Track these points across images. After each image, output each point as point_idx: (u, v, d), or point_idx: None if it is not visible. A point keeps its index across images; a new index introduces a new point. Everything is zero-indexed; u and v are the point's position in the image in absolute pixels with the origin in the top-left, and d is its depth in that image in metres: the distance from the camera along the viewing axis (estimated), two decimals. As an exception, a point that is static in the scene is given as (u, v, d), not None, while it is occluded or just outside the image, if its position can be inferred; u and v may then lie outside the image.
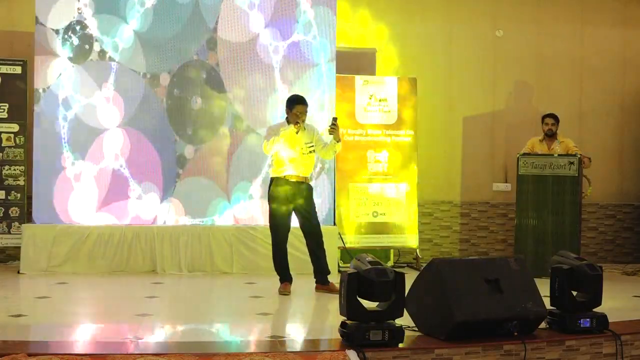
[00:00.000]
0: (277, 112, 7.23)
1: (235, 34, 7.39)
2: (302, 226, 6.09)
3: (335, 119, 5.98)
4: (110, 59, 7.25)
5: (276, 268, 6.05)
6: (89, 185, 7.20)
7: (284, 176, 5.97)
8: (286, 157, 5.95)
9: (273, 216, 6.01)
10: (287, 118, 6.01)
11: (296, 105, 5.95)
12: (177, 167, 7.32)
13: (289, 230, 6.07)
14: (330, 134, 5.92)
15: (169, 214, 7.27)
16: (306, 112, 5.98)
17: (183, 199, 7.30)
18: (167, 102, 7.32)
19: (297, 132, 5.89)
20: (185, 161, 7.33)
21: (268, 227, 6.11)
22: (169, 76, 7.32)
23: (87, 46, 7.21)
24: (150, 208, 7.26)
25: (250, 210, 7.33)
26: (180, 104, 7.35)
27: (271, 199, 6.01)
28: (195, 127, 7.35)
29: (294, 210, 6.03)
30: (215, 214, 7.31)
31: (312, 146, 6.01)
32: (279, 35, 7.42)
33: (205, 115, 7.37)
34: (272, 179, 6.05)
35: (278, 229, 6.01)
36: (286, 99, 6.13)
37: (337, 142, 5.94)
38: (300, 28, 7.42)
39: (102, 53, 7.24)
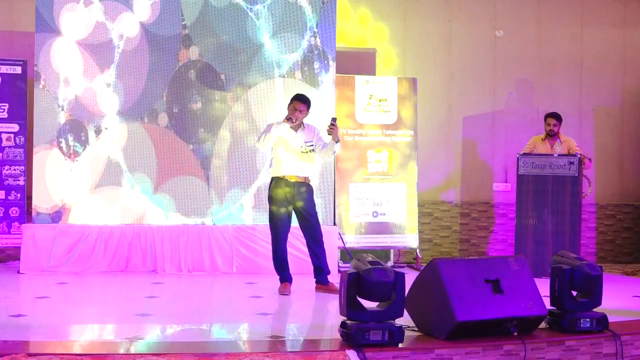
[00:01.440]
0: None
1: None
2: (302, 226, 6.08)
3: (334, 119, 5.97)
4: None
5: (276, 268, 6.05)
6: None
7: (284, 176, 5.96)
8: (286, 156, 5.95)
9: (273, 216, 6.00)
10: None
11: (293, 100, 5.97)
12: (147, 117, 7.31)
13: (288, 231, 6.07)
14: (329, 134, 5.91)
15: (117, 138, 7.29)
16: (302, 109, 5.93)
17: (131, 148, 7.29)
18: (177, 70, 7.33)
19: (289, 127, 5.90)
20: (153, 120, 7.31)
21: (268, 226, 6.10)
22: (198, 54, 7.34)
23: None
24: (109, 122, 7.29)
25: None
26: (184, 85, 7.35)
27: (271, 199, 6.00)
28: (181, 112, 7.34)
29: (294, 211, 6.03)
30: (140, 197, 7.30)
31: (312, 145, 6.00)
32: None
33: (198, 117, 7.35)
34: (272, 179, 6.05)
35: (278, 229, 6.00)
36: None
37: (336, 142, 5.93)
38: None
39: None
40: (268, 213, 6.07)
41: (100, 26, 7.28)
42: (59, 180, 7.19)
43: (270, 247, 6.13)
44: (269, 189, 6.04)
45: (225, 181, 7.32)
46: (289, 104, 5.99)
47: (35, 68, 7.20)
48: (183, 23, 7.33)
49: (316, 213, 6.11)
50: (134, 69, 7.33)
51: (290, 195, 5.95)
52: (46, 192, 7.16)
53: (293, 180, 5.96)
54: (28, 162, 7.29)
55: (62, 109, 7.23)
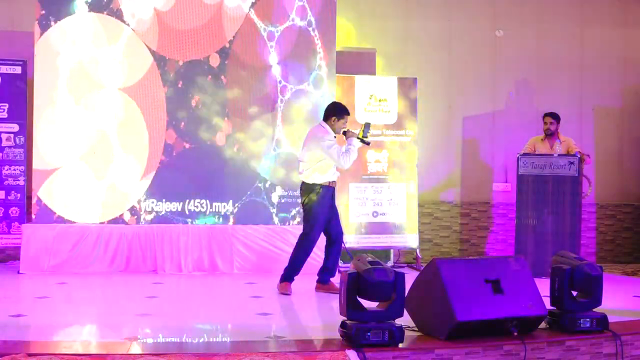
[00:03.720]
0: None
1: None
2: (332, 229, 6.04)
3: (368, 124, 6.03)
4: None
5: (292, 266, 5.97)
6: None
7: (329, 182, 5.97)
8: (331, 164, 5.97)
9: (319, 224, 5.95)
10: (329, 124, 6.01)
11: (346, 115, 6.02)
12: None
13: None
14: (364, 138, 6.01)
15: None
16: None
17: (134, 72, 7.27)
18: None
19: (334, 137, 5.98)
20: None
21: (268, 227, 6.08)
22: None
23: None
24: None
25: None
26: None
27: (319, 206, 5.92)
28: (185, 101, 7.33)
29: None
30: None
31: None
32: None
33: (198, 116, 7.36)
34: (321, 187, 5.93)
35: (316, 236, 6.00)
36: (333, 106, 6.13)
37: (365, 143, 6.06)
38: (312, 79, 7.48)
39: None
40: (312, 218, 5.96)
41: None
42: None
43: (271, 246, 6.10)
44: (319, 196, 5.92)
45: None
46: (341, 117, 5.98)
47: None
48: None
49: None
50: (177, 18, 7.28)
51: (333, 202, 6.04)
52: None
53: (334, 186, 6.04)
54: (28, 162, 7.29)
55: None
